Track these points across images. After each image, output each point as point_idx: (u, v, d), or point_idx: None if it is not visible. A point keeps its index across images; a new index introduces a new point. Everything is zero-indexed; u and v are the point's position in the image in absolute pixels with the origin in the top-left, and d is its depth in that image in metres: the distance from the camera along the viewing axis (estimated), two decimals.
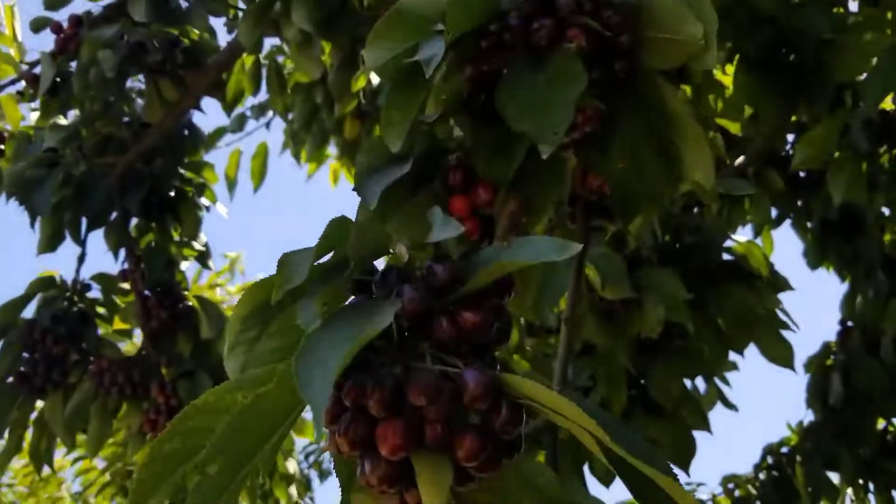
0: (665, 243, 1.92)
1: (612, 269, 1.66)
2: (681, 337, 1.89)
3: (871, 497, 2.73)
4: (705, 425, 2.10)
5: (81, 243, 1.95)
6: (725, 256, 1.96)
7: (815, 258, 2.75)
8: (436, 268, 0.65)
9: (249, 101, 3.14)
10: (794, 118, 2.37)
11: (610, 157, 0.83)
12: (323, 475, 4.65)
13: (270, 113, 3.18)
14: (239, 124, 3.16)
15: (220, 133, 3.06)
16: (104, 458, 3.73)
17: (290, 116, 2.80)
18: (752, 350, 2.03)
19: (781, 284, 1.91)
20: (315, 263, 0.66)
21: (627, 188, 0.89)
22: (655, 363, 1.92)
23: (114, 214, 1.96)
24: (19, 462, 4.75)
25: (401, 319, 0.64)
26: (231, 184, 3.00)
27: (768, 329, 2.01)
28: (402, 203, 0.79)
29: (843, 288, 2.80)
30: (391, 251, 0.71)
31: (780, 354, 2.03)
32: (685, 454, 1.97)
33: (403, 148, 0.80)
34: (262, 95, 3.20)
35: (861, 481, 2.67)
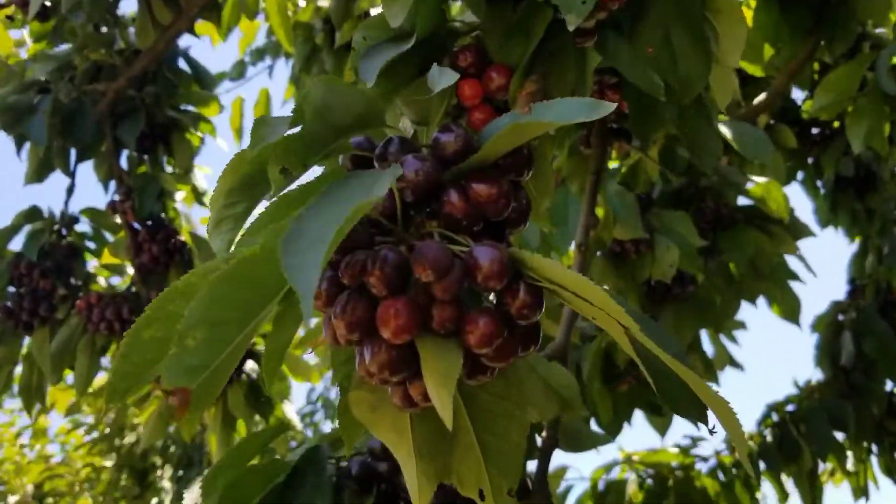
0: (680, 185, 1.84)
1: (625, 206, 1.58)
2: (693, 283, 1.82)
3: (873, 459, 2.68)
4: (713, 378, 2.05)
5: (71, 174, 1.87)
6: (742, 200, 1.88)
7: (826, 215, 2.68)
8: (444, 137, 0.58)
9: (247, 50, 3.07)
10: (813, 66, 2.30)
11: (639, 43, 0.75)
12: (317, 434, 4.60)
13: (269, 59, 3.09)
14: (239, 72, 3.07)
15: (218, 79, 2.97)
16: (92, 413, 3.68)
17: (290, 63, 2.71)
18: (759, 311, 1.97)
19: (800, 230, 1.83)
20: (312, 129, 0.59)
21: (652, 92, 0.80)
22: (666, 309, 1.86)
23: (104, 145, 1.87)
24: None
25: (405, 193, 0.56)
26: (237, 135, 2.92)
27: (778, 281, 1.95)
28: (408, 83, 0.72)
29: (848, 250, 2.74)
30: (391, 125, 0.64)
31: (788, 308, 1.97)
32: (696, 404, 1.91)
33: (406, 25, 0.72)
34: (261, 40, 3.13)
35: (865, 443, 2.62)
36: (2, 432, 4.83)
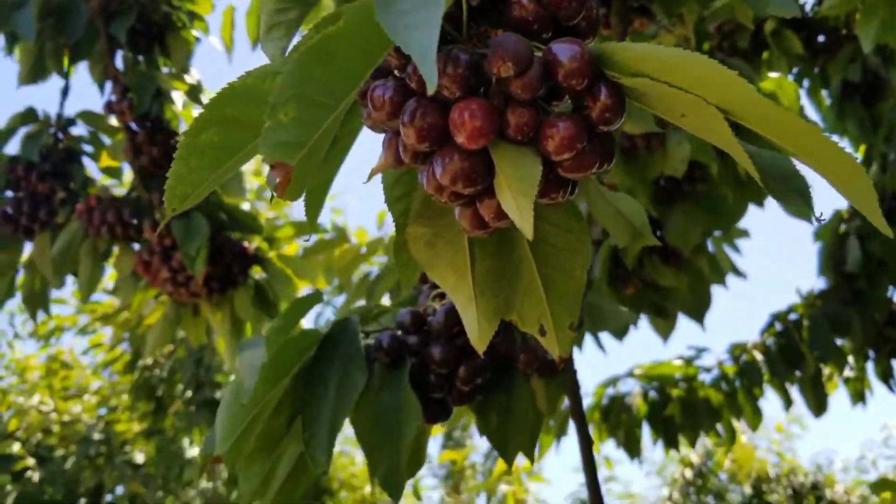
0: None
1: None
2: (703, 181, 1.80)
3: (869, 365, 2.70)
4: (720, 279, 2.04)
5: (65, 75, 1.80)
6: None
7: (832, 124, 2.65)
8: None
9: None
10: None
11: None
12: None
13: None
14: None
15: None
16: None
17: None
18: (761, 222, 1.95)
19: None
20: None
21: None
22: (674, 210, 1.83)
23: (98, 44, 1.80)
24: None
25: None
26: (228, 46, 2.82)
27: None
28: None
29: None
30: None
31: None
32: (701, 305, 1.91)
33: None
34: None
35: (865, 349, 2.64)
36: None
